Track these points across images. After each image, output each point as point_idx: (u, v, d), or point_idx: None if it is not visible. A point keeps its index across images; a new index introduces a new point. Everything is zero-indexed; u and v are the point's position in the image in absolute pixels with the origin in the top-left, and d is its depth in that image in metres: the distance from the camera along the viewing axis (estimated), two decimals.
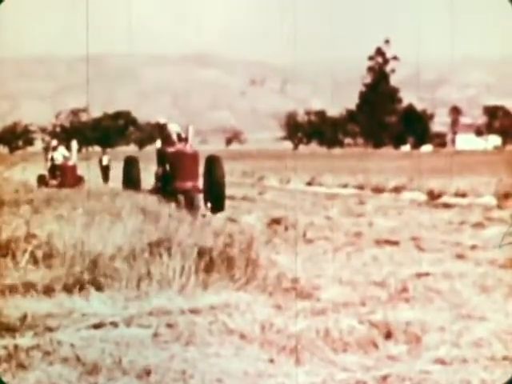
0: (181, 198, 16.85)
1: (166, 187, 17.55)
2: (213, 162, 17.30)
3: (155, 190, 17.79)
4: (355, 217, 16.01)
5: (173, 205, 15.34)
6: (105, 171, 25.22)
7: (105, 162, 25.33)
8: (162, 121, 18.46)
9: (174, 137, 17.99)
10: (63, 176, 21.54)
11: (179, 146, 17.86)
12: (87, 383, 5.88)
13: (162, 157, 18.10)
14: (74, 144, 23.01)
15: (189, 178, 17.28)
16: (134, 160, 18.94)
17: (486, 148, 44.40)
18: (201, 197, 16.91)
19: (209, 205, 16.95)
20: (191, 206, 16.44)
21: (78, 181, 21.60)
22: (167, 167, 17.65)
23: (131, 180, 18.19)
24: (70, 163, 21.96)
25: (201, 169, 17.49)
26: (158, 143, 18.41)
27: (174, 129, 18.38)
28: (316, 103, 49.97)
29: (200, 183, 17.29)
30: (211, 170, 17.20)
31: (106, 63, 53.28)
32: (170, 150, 17.86)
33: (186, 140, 17.93)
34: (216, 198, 16.96)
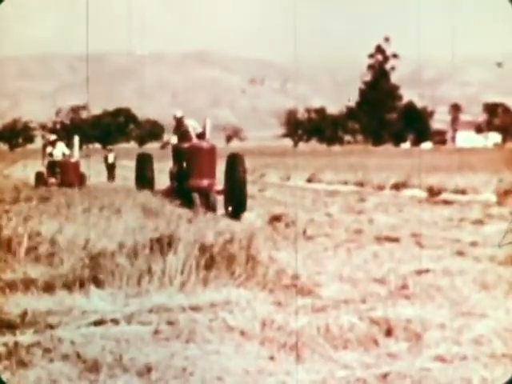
0: (195, 195, 15.95)
1: (181, 186, 16.59)
2: (234, 161, 16.26)
3: (171, 190, 16.81)
4: (355, 214, 16.03)
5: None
6: (110, 169, 24.78)
7: (110, 160, 24.85)
8: (178, 114, 17.44)
9: (192, 132, 16.99)
10: (64, 174, 20.41)
11: (195, 140, 16.90)
12: (88, 380, 5.88)
13: (177, 153, 17.11)
14: (76, 139, 21.91)
15: (205, 175, 16.36)
16: (147, 157, 17.89)
17: (486, 145, 44.47)
18: (217, 196, 16.08)
19: (229, 207, 16.04)
20: (207, 205, 15.51)
21: (81, 179, 20.51)
22: (184, 164, 16.68)
23: (144, 179, 17.15)
24: (73, 160, 20.90)
25: (220, 167, 16.60)
26: (174, 139, 17.40)
27: (191, 124, 17.41)
28: (316, 101, 50.01)
29: (217, 181, 16.44)
30: (233, 169, 16.17)
31: (106, 61, 53.27)
32: (186, 145, 16.90)
33: (203, 135, 17.00)
34: (237, 198, 15.98)
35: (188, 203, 15.23)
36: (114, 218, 10.74)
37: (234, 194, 15.98)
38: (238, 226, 12.02)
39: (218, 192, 16.19)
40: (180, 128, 17.29)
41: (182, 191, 16.35)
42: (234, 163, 16.18)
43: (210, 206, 15.51)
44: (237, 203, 15.93)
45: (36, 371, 5.98)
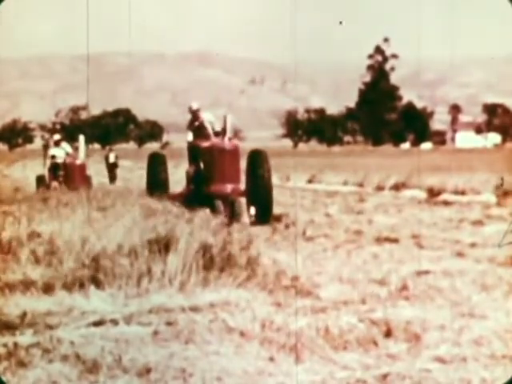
0: (218, 203, 14.15)
1: (199, 190, 14.85)
2: (257, 159, 14.55)
3: (187, 194, 15.04)
4: (355, 214, 16.02)
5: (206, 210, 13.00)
6: (111, 169, 24.33)
7: (111, 160, 24.42)
8: (194, 106, 15.75)
9: (209, 128, 15.35)
10: (69, 177, 18.78)
11: (215, 139, 15.14)
12: (87, 381, 5.88)
13: (194, 153, 15.29)
14: (82, 139, 20.37)
15: (228, 180, 14.61)
16: (160, 158, 15.90)
17: (486, 146, 44.50)
18: (243, 202, 14.42)
19: (252, 211, 14.33)
20: (231, 213, 13.90)
21: (86, 182, 18.91)
22: (201, 165, 14.96)
23: (157, 182, 15.18)
24: (78, 162, 19.31)
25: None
26: (190, 136, 15.58)
27: (207, 118, 15.67)
28: (316, 101, 50.02)
29: (242, 185, 14.75)
30: (255, 169, 14.45)
31: (106, 62, 53.28)
32: (205, 144, 15.11)
33: (223, 132, 15.26)
34: (262, 203, 14.29)
35: (207, 208, 13.56)
36: (114, 218, 10.74)
37: (258, 197, 14.35)
38: (238, 227, 12.01)
39: (241, 195, 14.59)
40: (195, 122, 15.64)
41: (200, 196, 14.64)
42: (257, 161, 14.52)
43: (235, 215, 13.97)
44: (262, 207, 14.34)
45: (35, 372, 5.98)
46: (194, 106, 15.77)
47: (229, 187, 14.58)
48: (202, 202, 14.03)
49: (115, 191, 16.05)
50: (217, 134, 15.36)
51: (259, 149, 14.93)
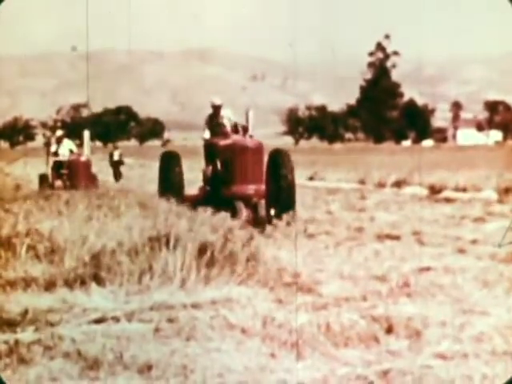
0: (240, 205, 13.33)
1: (217, 191, 14.07)
2: (279, 159, 13.55)
3: (203, 196, 14.26)
4: (356, 211, 15.99)
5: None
6: (116, 167, 24.01)
7: (116, 158, 24.08)
8: (217, 102, 14.78)
9: (228, 125, 14.66)
10: (74, 174, 18.07)
11: (236, 137, 14.41)
12: (88, 378, 5.88)
13: (212, 151, 14.42)
14: (87, 135, 19.49)
15: (251, 181, 13.80)
16: (174, 157, 14.61)
17: (487, 143, 44.45)
18: (264, 204, 13.58)
19: (272, 213, 13.42)
20: (254, 216, 13.26)
21: (92, 180, 18.19)
22: (218, 165, 14.14)
23: (171, 184, 14.10)
24: (83, 159, 18.51)
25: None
26: (207, 133, 14.68)
27: (226, 115, 14.89)
28: (317, 98, 49.99)
29: (264, 186, 13.78)
30: (278, 170, 13.44)
31: (106, 59, 53.28)
32: (225, 142, 14.29)
33: (244, 130, 14.54)
34: (285, 205, 13.38)
35: (226, 211, 12.74)
36: (114, 215, 10.74)
37: (282, 199, 13.44)
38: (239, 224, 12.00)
39: (261, 195, 13.72)
40: (214, 120, 14.76)
41: (218, 198, 13.84)
42: (279, 161, 13.53)
43: (258, 217, 13.29)
44: (284, 209, 13.36)
45: (37, 369, 5.98)
46: (217, 102, 14.89)
47: (251, 188, 13.82)
48: (220, 205, 13.20)
49: (118, 189, 16.01)
50: (235, 131, 14.71)
51: (281, 148, 14.04)
